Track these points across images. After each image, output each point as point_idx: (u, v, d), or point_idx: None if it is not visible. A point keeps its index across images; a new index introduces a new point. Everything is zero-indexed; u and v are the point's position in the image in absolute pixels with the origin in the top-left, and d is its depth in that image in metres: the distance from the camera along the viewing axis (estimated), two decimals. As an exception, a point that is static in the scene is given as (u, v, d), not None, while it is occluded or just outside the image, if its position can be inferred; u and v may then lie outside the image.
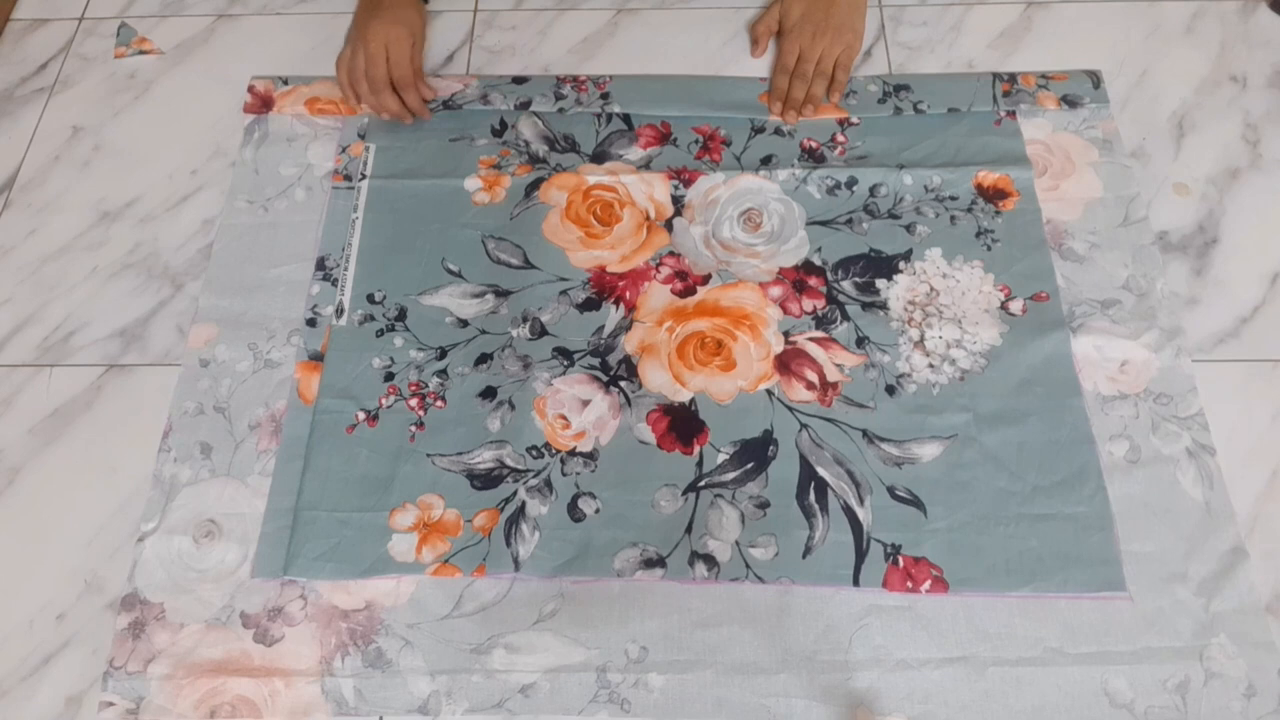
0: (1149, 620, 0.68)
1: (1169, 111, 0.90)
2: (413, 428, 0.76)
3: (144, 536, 0.72)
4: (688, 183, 0.87)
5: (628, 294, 0.82)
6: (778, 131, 0.90)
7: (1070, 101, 0.90)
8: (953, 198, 0.85)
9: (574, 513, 0.73)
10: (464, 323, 0.81)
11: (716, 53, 0.96)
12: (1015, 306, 0.80)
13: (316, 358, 0.79)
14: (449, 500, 0.73)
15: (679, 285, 0.82)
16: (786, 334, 0.79)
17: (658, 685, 0.67)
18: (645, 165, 0.88)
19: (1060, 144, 0.88)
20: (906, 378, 0.77)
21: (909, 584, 0.69)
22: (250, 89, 0.93)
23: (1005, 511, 0.72)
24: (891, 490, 0.73)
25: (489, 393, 0.77)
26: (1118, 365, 0.77)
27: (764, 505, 0.72)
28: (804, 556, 0.70)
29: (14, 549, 0.73)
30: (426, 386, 0.78)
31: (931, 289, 0.81)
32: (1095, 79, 0.91)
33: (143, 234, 0.87)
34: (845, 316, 0.80)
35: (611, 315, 0.81)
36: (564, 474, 0.74)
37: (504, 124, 0.91)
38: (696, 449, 0.75)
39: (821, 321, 0.80)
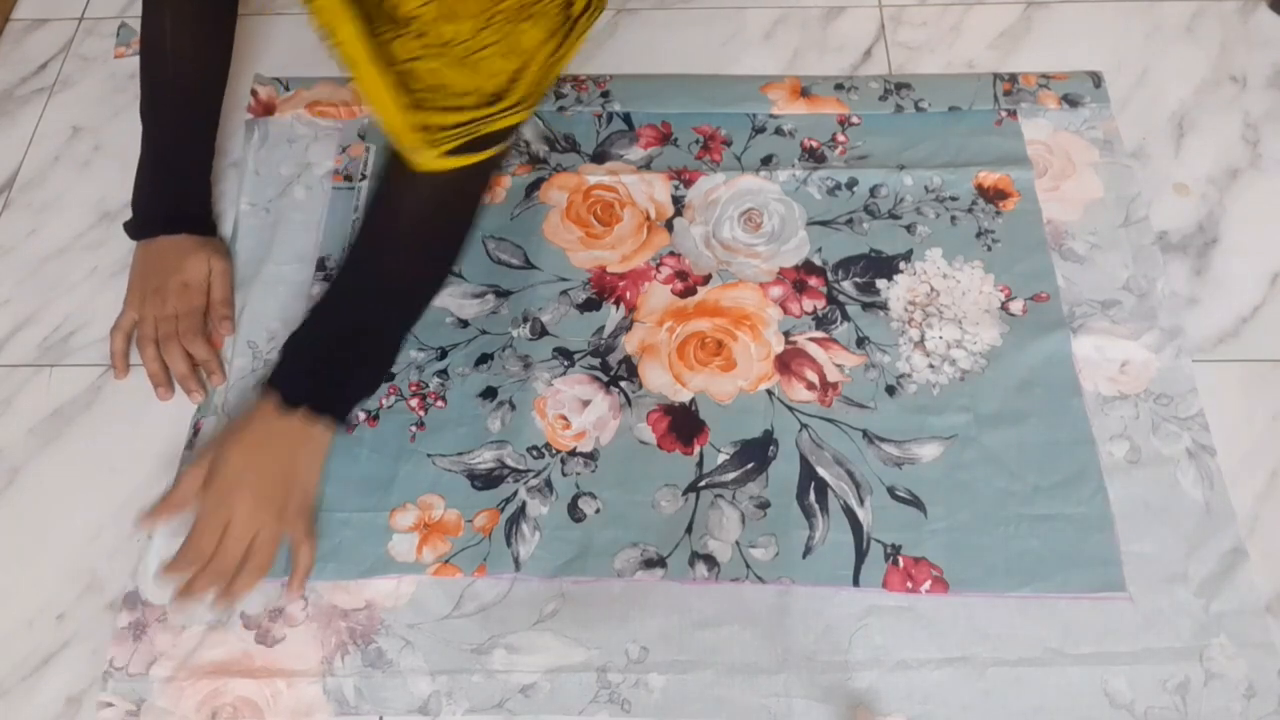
0: (1149, 621, 0.68)
1: (1169, 111, 0.90)
2: (413, 428, 0.76)
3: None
4: (688, 183, 0.87)
5: (628, 294, 0.82)
6: (778, 131, 0.90)
7: (1071, 101, 0.90)
8: (953, 198, 0.85)
9: (574, 513, 0.73)
10: (464, 323, 0.81)
11: (716, 52, 0.96)
12: (1015, 307, 0.80)
13: (317, 358, 0.79)
14: (449, 500, 0.73)
15: (679, 285, 0.82)
16: (787, 334, 0.79)
17: (658, 685, 0.67)
18: (646, 165, 0.88)
19: (1061, 144, 0.88)
20: (907, 378, 0.77)
21: (909, 584, 0.69)
22: (253, 93, 0.93)
23: (1005, 512, 0.72)
24: (891, 490, 0.73)
25: (489, 393, 0.77)
26: (1118, 366, 0.77)
27: (764, 505, 0.72)
28: (804, 557, 0.70)
29: (14, 549, 0.73)
30: (427, 386, 0.78)
31: (932, 289, 0.81)
32: (1096, 79, 0.91)
33: (143, 234, 0.87)
34: (845, 317, 0.80)
35: (612, 315, 0.81)
36: (564, 474, 0.74)
37: (504, 124, 0.91)
38: (697, 449, 0.75)
39: (822, 322, 0.80)
